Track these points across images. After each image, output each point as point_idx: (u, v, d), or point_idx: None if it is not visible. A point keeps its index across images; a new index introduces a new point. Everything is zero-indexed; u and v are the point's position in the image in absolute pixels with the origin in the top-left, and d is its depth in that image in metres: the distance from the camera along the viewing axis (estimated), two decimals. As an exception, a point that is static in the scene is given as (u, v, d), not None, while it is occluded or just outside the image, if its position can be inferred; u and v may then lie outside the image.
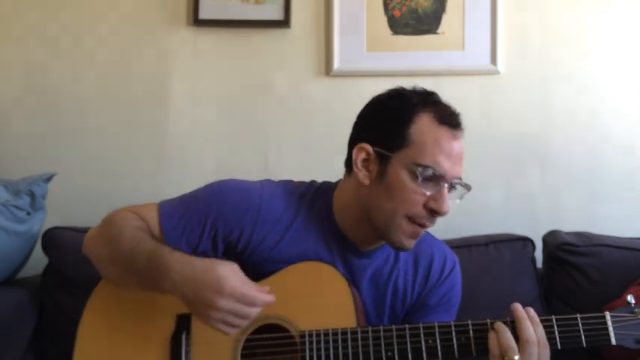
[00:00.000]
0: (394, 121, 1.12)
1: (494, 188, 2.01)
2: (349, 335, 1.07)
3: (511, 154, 2.00)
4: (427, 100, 1.15)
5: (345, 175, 1.23)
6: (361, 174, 1.14)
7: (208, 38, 2.03)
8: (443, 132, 1.11)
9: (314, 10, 2.02)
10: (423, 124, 1.11)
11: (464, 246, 1.74)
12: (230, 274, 1.03)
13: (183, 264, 1.05)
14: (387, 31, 2.01)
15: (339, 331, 1.07)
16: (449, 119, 1.13)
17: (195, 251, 1.17)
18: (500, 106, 2.01)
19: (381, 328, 1.07)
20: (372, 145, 1.13)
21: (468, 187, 1.15)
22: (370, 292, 1.22)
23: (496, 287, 1.66)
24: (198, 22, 2.00)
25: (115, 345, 1.16)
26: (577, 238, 1.74)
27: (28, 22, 2.03)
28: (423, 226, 1.13)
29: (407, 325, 1.07)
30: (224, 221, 1.16)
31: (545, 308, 1.71)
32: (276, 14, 2.00)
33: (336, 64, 2.00)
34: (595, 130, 1.99)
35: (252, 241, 1.17)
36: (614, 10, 2.00)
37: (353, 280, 1.19)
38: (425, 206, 1.10)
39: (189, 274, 1.03)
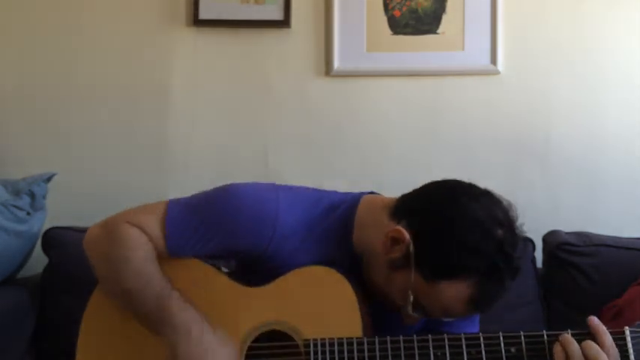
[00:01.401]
0: (444, 262, 1.02)
1: (494, 188, 1.99)
2: (355, 346, 1.03)
3: (511, 155, 2.00)
4: (489, 274, 1.01)
5: (386, 201, 1.15)
6: (383, 248, 1.07)
7: (208, 38, 2.03)
8: (461, 307, 1.03)
9: (314, 10, 2.02)
10: (455, 290, 1.01)
11: (464, 246, 1.73)
12: None
13: (191, 326, 1.04)
14: (387, 31, 2.01)
15: (345, 340, 1.04)
16: (480, 305, 1.04)
17: (200, 257, 1.15)
18: (500, 106, 2.01)
19: (389, 338, 1.04)
20: (414, 245, 1.03)
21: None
22: (380, 305, 1.18)
23: (496, 287, 1.66)
24: (198, 22, 2.00)
25: (117, 346, 1.15)
26: (577, 238, 1.74)
27: (28, 21, 2.03)
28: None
29: (415, 337, 1.04)
30: (236, 240, 1.11)
31: (545, 308, 1.71)
32: (276, 14, 2.00)
33: (336, 64, 2.00)
34: (595, 130, 1.99)
35: (265, 254, 1.12)
36: (614, 9, 2.00)
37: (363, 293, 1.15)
38: (398, 307, 1.09)
39: (192, 346, 1.03)
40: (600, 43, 2.00)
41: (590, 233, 1.77)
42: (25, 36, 2.03)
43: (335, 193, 1.21)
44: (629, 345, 0.99)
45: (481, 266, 1.00)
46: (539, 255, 1.78)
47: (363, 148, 2.02)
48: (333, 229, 1.14)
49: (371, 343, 1.04)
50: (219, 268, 1.16)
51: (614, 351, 0.98)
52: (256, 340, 1.10)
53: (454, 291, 1.01)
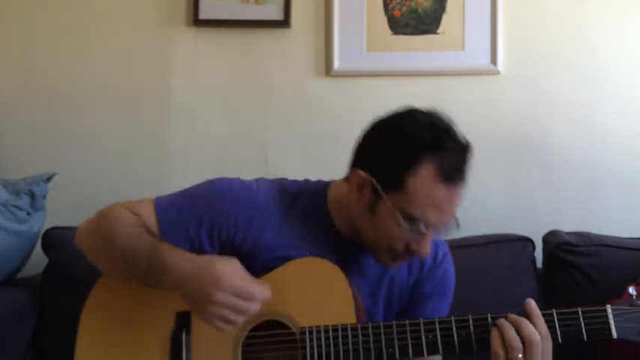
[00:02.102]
0: (396, 163, 1.10)
1: (495, 188, 2.01)
2: (349, 332, 1.07)
3: (511, 155, 2.01)
4: (435, 146, 1.09)
5: (345, 177, 1.22)
6: (354, 197, 1.15)
7: (208, 38, 2.03)
8: (440, 188, 1.08)
9: (314, 10, 2.02)
10: (422, 176, 1.08)
11: (464, 246, 1.74)
12: (229, 269, 1.05)
13: (182, 260, 1.07)
14: (387, 31, 2.01)
15: (339, 327, 1.08)
16: (451, 175, 1.09)
17: (192, 246, 1.17)
18: (500, 106, 2.01)
19: (381, 324, 1.08)
20: (370, 175, 1.12)
21: (457, 224, 1.16)
22: (364, 283, 1.23)
23: (496, 287, 1.66)
24: (198, 22, 2.00)
25: (115, 344, 1.16)
26: (577, 238, 1.74)
27: (29, 21, 2.03)
28: (401, 258, 1.16)
29: (407, 321, 1.07)
30: (221, 219, 1.17)
31: (545, 308, 1.71)
32: (276, 14, 2.00)
33: (336, 64, 2.00)
34: (595, 130, 1.99)
35: (249, 237, 1.17)
36: (614, 9, 2.00)
37: (346, 272, 1.20)
38: (406, 246, 1.12)
39: (188, 270, 1.05)
40: (600, 43, 2.01)
41: (590, 233, 1.77)
42: (25, 36, 2.03)
43: (309, 180, 1.29)
44: (612, 322, 1.03)
45: (424, 145, 1.08)
46: (539, 255, 1.78)
47: (363, 148, 2.02)
48: (310, 211, 1.21)
49: (364, 329, 1.07)
50: None
51: (546, 333, 1.02)
52: (254, 329, 1.13)
53: (423, 179, 1.07)
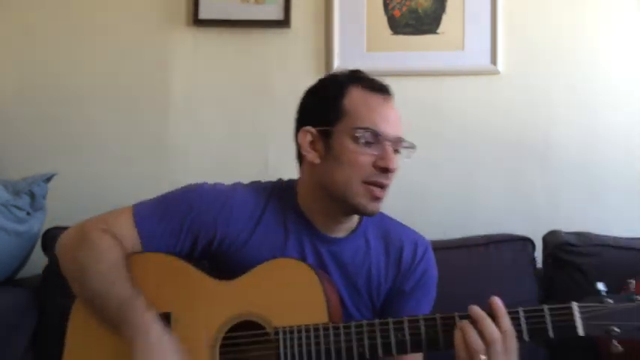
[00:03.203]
0: (328, 100, 1.21)
1: (495, 188, 2.01)
2: (321, 331, 1.09)
3: (511, 155, 2.00)
4: (354, 76, 1.23)
5: (300, 167, 1.28)
6: (310, 155, 1.21)
7: (208, 38, 2.03)
8: (375, 98, 1.19)
9: (314, 10, 2.03)
10: (355, 95, 1.19)
11: (464, 246, 1.74)
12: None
13: (148, 332, 1.09)
14: (387, 31, 2.02)
15: (312, 327, 1.09)
16: (378, 88, 1.21)
17: (174, 251, 1.21)
18: (500, 106, 2.01)
19: (352, 324, 1.09)
20: (313, 126, 1.21)
21: (412, 146, 1.22)
22: (342, 280, 1.25)
23: (496, 287, 1.65)
24: (198, 22, 2.01)
25: (101, 346, 1.17)
26: (577, 238, 1.74)
27: (29, 21, 2.03)
28: (379, 186, 1.17)
29: (377, 320, 1.09)
30: (200, 220, 1.21)
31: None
32: (276, 14, 2.00)
33: (336, 64, 2.00)
34: (595, 130, 1.99)
35: (228, 237, 1.22)
36: (613, 9, 2.00)
37: (323, 269, 1.22)
38: (374, 166, 1.16)
39: (148, 347, 1.08)
40: (600, 43, 2.00)
41: (590, 233, 1.76)
42: (25, 36, 2.03)
43: (280, 179, 1.34)
44: (577, 319, 1.01)
45: (344, 79, 1.22)
46: (539, 255, 1.77)
47: (363, 148, 2.02)
48: (282, 207, 1.26)
49: (336, 329, 1.09)
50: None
51: (512, 332, 1.00)
52: (231, 330, 1.14)
53: (356, 96, 1.19)
